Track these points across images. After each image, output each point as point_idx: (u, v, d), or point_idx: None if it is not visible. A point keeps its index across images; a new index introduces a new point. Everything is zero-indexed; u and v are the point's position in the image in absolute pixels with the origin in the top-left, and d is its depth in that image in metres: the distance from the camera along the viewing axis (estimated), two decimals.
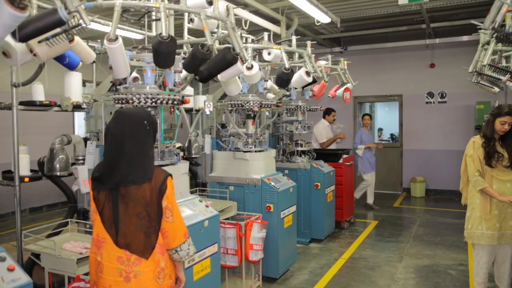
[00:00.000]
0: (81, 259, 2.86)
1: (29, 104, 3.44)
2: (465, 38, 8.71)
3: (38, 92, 3.53)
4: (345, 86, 6.50)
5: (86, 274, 2.76)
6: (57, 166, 3.35)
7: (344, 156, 6.98)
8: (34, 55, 2.82)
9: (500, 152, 3.82)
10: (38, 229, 3.28)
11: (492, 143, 3.84)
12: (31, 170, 3.55)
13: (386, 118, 12.23)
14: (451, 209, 8.23)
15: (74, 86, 3.60)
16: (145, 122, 2.28)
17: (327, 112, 7.86)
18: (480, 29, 3.60)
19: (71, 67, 3.49)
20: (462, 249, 5.78)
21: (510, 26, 2.36)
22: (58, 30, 2.26)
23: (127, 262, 2.20)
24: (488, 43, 3.90)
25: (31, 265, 3.18)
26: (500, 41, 2.78)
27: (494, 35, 2.70)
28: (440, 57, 9.61)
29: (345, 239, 6.40)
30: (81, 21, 2.22)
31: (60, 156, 3.37)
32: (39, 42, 2.36)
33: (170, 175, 2.35)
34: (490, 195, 3.80)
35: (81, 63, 3.50)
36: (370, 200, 8.42)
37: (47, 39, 2.31)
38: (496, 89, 5.04)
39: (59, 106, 3.52)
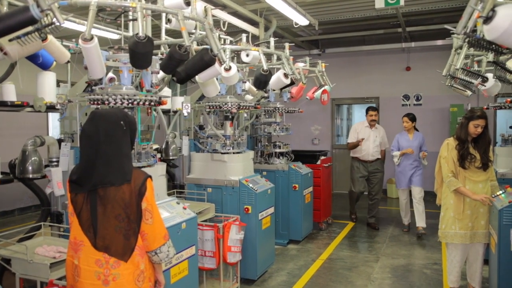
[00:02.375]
0: (55, 263, 2.79)
1: (0, 105, 3.34)
2: (439, 42, 8.94)
3: (10, 92, 3.43)
4: (322, 88, 6.56)
5: (60, 278, 2.70)
6: (30, 168, 3.26)
7: (322, 157, 7.03)
8: (5, 54, 2.75)
9: (472, 154, 3.93)
10: (9, 233, 3.18)
11: (466, 145, 3.94)
12: (2, 173, 3.44)
13: (362, 120, 12.35)
14: (426, 209, 8.34)
15: (47, 86, 3.51)
16: (122, 122, 2.25)
17: (366, 110, 7.13)
18: (453, 33, 3.68)
19: (45, 66, 3.41)
20: (436, 248, 5.90)
21: (481, 31, 2.42)
22: (30, 28, 2.20)
23: (106, 265, 2.17)
24: (461, 47, 4.00)
25: (1, 270, 3.09)
26: (472, 45, 2.85)
27: (466, 40, 2.76)
28: (415, 61, 9.80)
29: (322, 240, 6.44)
30: (54, 19, 2.17)
31: (32, 158, 3.28)
32: (10, 40, 2.31)
33: (150, 176, 2.33)
34: (464, 195, 3.90)
35: (55, 62, 3.42)
36: (419, 223, 6.52)
37: (18, 37, 2.25)
38: (469, 92, 5.17)
39: (32, 106, 3.43)
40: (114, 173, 2.19)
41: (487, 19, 2.16)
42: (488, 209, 3.92)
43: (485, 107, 4.79)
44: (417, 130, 6.76)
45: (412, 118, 6.68)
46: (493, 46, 2.76)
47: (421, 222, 6.50)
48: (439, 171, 4.14)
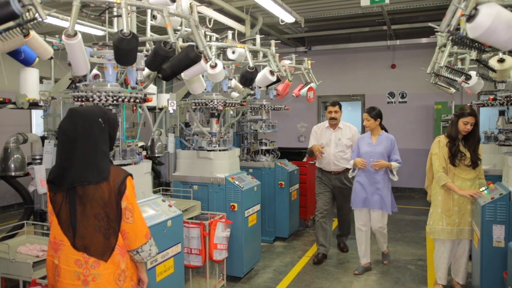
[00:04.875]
0: (38, 262, 2.75)
1: None
2: (424, 40, 9.03)
3: None
4: (309, 86, 6.57)
5: (43, 278, 2.66)
6: (12, 166, 3.21)
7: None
8: None
9: (463, 152, 4.00)
10: None
11: (456, 142, 4.02)
12: None
13: (349, 117, 12.38)
14: (411, 206, 8.49)
15: (30, 83, 3.46)
16: (100, 119, 2.22)
17: (325, 107, 5.79)
18: (437, 32, 3.72)
19: (27, 63, 3.35)
20: (421, 244, 5.98)
21: (464, 29, 2.45)
22: (11, 23, 2.17)
23: (85, 265, 2.15)
24: (444, 45, 4.04)
25: None
26: (456, 43, 2.88)
27: (450, 38, 2.79)
28: (400, 58, 9.89)
29: (309, 237, 6.47)
30: (36, 15, 2.14)
31: (15, 156, 3.23)
32: None
33: (130, 174, 2.30)
34: (451, 189, 3.98)
35: (37, 59, 3.37)
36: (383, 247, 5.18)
37: None
38: (453, 90, 5.23)
39: (14, 103, 3.38)
40: (90, 171, 2.16)
41: (470, 18, 2.19)
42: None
43: (468, 104, 4.85)
44: (385, 130, 5.01)
45: (375, 114, 4.89)
46: (476, 44, 2.80)
47: (384, 247, 5.13)
48: (430, 168, 4.22)
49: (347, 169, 5.18)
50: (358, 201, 4.87)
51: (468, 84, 4.50)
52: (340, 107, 5.49)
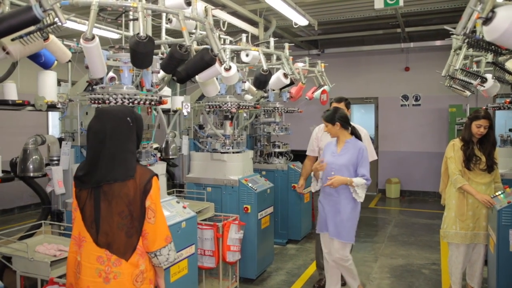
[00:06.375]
0: (55, 261, 2.80)
1: (1, 104, 3.35)
2: (438, 42, 8.96)
3: (11, 91, 3.44)
4: (322, 88, 6.57)
5: (60, 277, 2.71)
6: (31, 166, 3.27)
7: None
8: (7, 53, 2.76)
9: (478, 155, 3.95)
10: (10, 231, 3.19)
11: (470, 146, 3.97)
12: (3, 171, 3.45)
13: (362, 120, 12.39)
14: (425, 209, 8.41)
15: (48, 85, 3.53)
16: (128, 118, 2.26)
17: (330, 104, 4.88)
18: (453, 34, 3.70)
19: (46, 66, 3.42)
20: (435, 248, 5.92)
21: (481, 32, 2.43)
22: (32, 28, 2.22)
23: (107, 262, 2.16)
24: (460, 48, 4.01)
25: (1, 268, 3.10)
26: (471, 46, 2.86)
27: (466, 41, 2.77)
28: (414, 61, 9.82)
29: None
30: (56, 19, 2.18)
31: (33, 157, 3.29)
32: (13, 40, 2.32)
33: (156, 174, 2.31)
34: (468, 193, 3.93)
35: (56, 62, 3.43)
36: None
37: (21, 37, 2.26)
38: (468, 93, 5.19)
39: (33, 105, 3.45)
40: (117, 169, 2.18)
41: (487, 20, 2.17)
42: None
43: (484, 107, 4.81)
44: (356, 136, 3.96)
45: (332, 117, 3.84)
46: (493, 47, 2.78)
47: None
48: (445, 172, 4.17)
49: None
50: (320, 223, 3.96)
51: (484, 87, 4.46)
52: (347, 105, 4.51)
